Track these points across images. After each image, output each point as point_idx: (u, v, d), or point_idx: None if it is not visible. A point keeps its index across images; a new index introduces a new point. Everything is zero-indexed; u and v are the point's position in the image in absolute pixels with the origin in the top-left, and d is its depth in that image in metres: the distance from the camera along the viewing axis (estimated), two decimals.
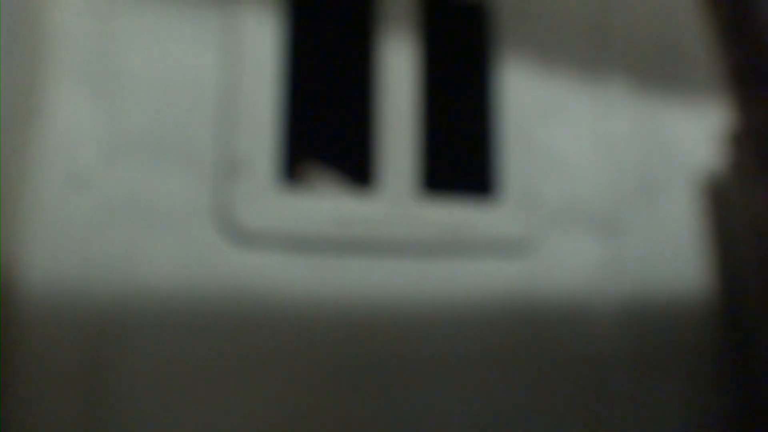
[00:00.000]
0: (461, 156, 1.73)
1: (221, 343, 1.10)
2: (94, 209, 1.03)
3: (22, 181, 1.00)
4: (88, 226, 1.02)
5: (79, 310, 1.00)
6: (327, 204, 1.22)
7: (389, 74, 1.31)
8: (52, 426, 0.96)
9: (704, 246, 1.68)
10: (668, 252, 1.61)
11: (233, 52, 1.18)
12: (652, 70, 1.69)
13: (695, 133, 1.73)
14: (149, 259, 1.07)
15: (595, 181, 1.54)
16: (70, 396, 0.98)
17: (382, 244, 1.25)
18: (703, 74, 1.74)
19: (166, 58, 1.13)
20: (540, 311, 1.42)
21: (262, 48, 1.20)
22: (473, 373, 1.32)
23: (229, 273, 1.13)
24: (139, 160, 1.08)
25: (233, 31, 1.18)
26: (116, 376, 1.02)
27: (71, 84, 1.04)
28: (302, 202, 1.20)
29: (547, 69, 1.51)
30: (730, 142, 1.42)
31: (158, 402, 1.05)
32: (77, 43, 1.05)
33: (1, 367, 0.95)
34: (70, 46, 1.05)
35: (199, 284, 1.10)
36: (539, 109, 1.48)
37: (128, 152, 1.08)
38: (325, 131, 1.89)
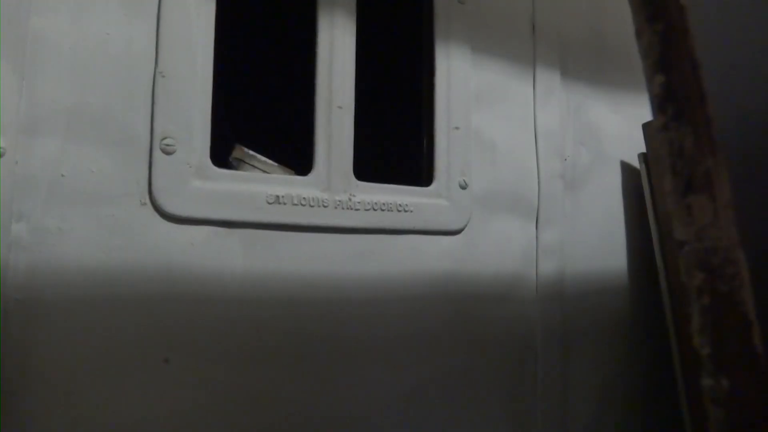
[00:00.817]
0: (395, 140, 1.77)
1: (149, 320, 1.09)
2: (13, 184, 0.99)
3: None
4: (6, 201, 0.97)
5: None
6: (260, 186, 1.20)
7: (325, 57, 1.29)
8: None
9: (624, 231, 1.78)
10: (591, 236, 1.69)
11: (164, 22, 1.12)
12: (580, 61, 1.73)
13: (619, 123, 1.80)
14: (72, 235, 1.03)
15: (524, 168, 1.59)
16: None
17: (315, 226, 1.25)
18: (629, 67, 1.80)
19: (91, 27, 1.07)
20: (468, 291, 1.46)
21: (196, 20, 1.14)
22: (404, 350, 1.37)
23: (159, 250, 1.10)
24: (61, 135, 1.03)
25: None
26: (36, 353, 1.00)
27: None
28: (234, 184, 1.17)
29: (481, 57, 1.53)
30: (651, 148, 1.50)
31: (81, 379, 1.03)
32: None
33: None
34: None
35: (126, 262, 1.07)
36: (474, 98, 1.50)
37: (48, 126, 1.02)
38: (260, 113, 1.89)
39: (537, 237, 1.59)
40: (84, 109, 1.04)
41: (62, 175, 1.02)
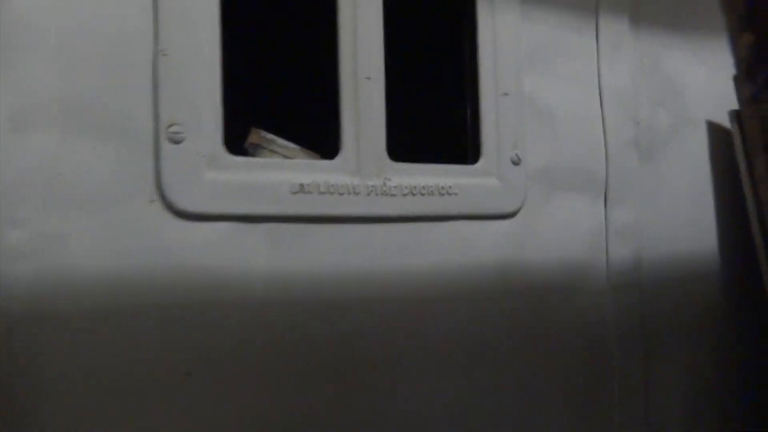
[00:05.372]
0: (435, 113, 1.66)
1: (167, 331, 1.03)
2: (6, 186, 0.93)
3: None
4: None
5: None
6: (281, 174, 1.12)
7: (348, 22, 1.20)
8: None
9: (714, 206, 1.66)
10: (673, 214, 1.58)
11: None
12: (656, 4, 1.60)
13: (706, 76, 1.65)
14: (76, 241, 0.98)
15: (589, 136, 1.48)
16: None
17: (346, 216, 1.17)
18: (717, 8, 1.60)
19: (78, 3, 1.00)
20: (527, 283, 1.37)
21: None
22: (454, 353, 1.28)
23: (173, 252, 1.05)
24: (54, 130, 0.97)
25: None
26: (46, 370, 0.95)
27: None
28: (252, 173, 1.10)
29: (532, 8, 1.40)
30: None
31: (96, 398, 0.99)
32: None
33: None
34: None
35: (137, 267, 1.03)
36: (525, 57, 1.40)
37: (39, 120, 0.96)
38: (278, 90, 1.79)
39: (606, 217, 1.49)
40: (78, 98, 0.98)
41: (59, 175, 0.97)
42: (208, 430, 1.05)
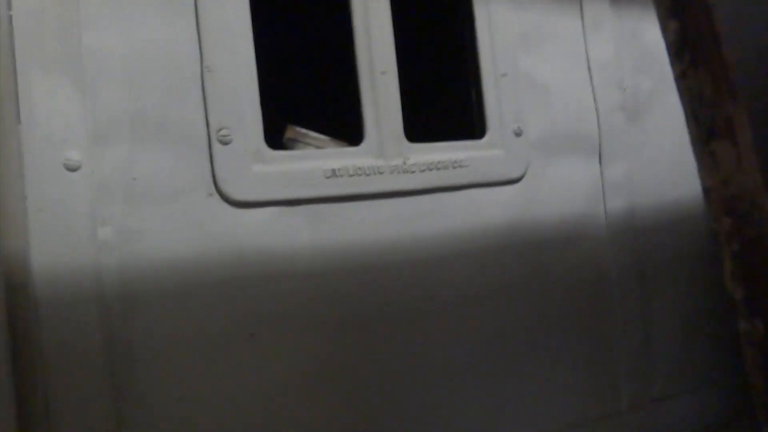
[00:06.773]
0: (444, 96, 1.73)
1: (231, 301, 1.14)
2: (93, 191, 1.05)
3: (17, 176, 1.01)
4: (89, 209, 1.04)
5: (91, 291, 1.03)
6: (316, 162, 1.22)
7: (362, 24, 1.28)
8: (76, 408, 1.01)
9: (692, 154, 1.65)
10: (660, 166, 1.63)
11: (203, 18, 1.13)
12: None
13: None
14: (152, 233, 1.09)
15: (581, 105, 1.54)
16: (93, 378, 1.03)
17: (374, 193, 1.26)
18: None
19: (135, 36, 1.10)
20: (535, 238, 1.45)
21: (232, 9, 1.16)
22: (478, 303, 1.38)
23: (230, 236, 1.14)
24: (127, 141, 1.08)
25: None
26: (138, 342, 1.07)
27: (44, 72, 1.02)
28: (291, 163, 1.20)
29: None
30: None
31: (179, 362, 1.10)
32: (44, 30, 1.02)
33: (21, 357, 0.99)
34: (36, 33, 1.02)
35: (203, 250, 1.13)
36: (519, 40, 1.46)
37: (115, 134, 1.08)
38: (306, 89, 1.90)
39: (602, 174, 1.56)
40: (143, 114, 1.10)
41: (134, 179, 1.09)
42: (271, 377, 1.17)
